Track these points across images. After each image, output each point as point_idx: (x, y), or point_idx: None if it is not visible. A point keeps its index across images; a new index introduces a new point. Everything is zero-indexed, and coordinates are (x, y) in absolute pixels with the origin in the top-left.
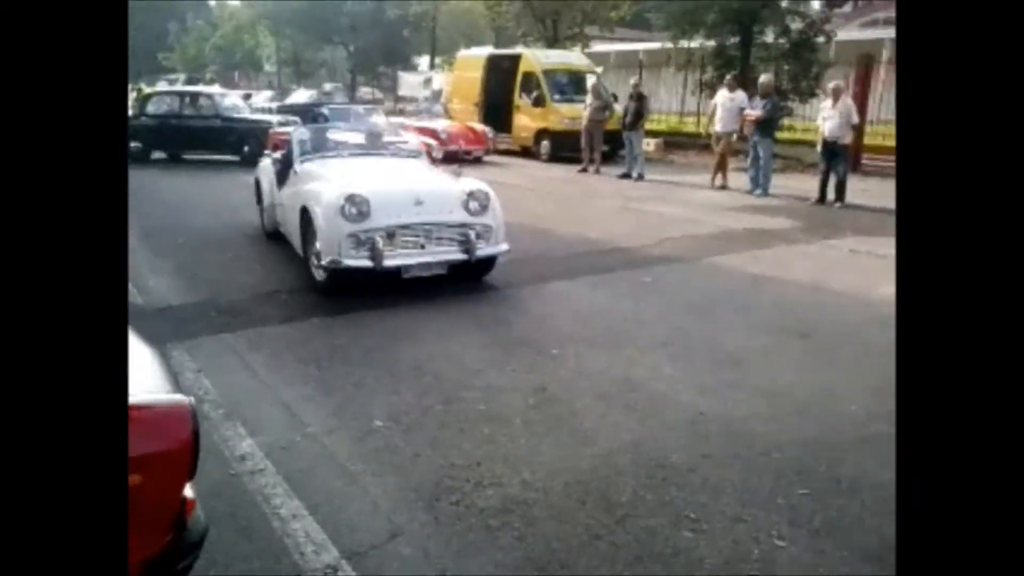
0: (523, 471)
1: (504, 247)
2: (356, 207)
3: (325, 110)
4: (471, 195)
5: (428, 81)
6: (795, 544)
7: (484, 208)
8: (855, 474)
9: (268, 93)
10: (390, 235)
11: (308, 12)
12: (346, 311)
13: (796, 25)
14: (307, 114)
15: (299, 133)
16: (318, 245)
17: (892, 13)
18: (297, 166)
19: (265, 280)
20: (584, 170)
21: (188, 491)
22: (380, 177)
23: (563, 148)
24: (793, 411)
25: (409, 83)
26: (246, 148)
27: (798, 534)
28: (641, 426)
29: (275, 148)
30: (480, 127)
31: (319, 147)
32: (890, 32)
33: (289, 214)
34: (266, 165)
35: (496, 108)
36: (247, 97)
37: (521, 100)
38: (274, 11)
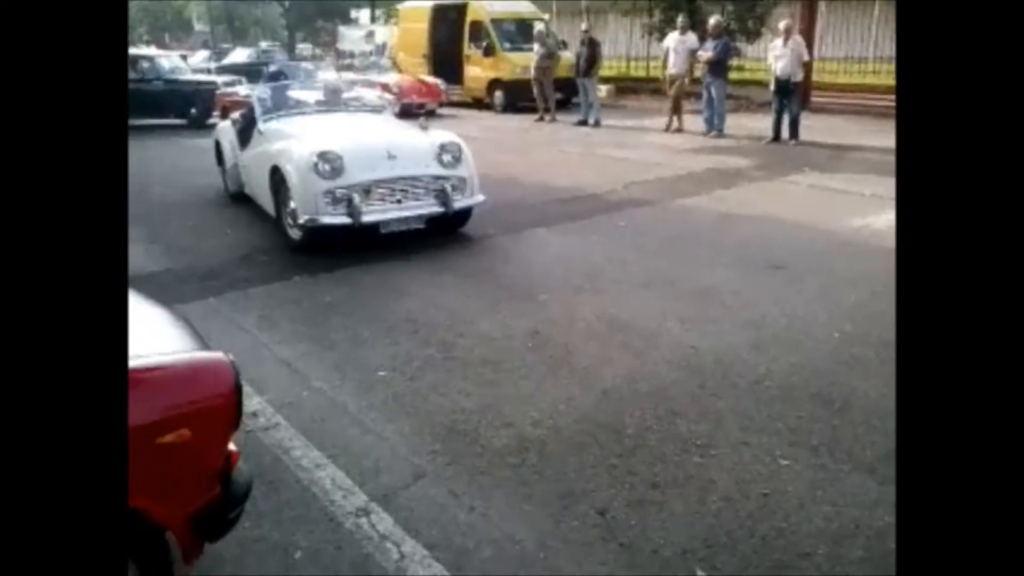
0: (531, 411)
1: (480, 198)
2: (330, 164)
3: (273, 67)
4: (443, 147)
5: (371, 35)
6: (798, 462)
7: (457, 160)
8: (844, 395)
9: (204, 53)
10: (366, 191)
11: None
12: (329, 268)
13: None
14: (253, 73)
15: (260, 92)
16: (292, 204)
17: None
18: (261, 126)
19: (238, 243)
20: (540, 119)
21: (231, 445)
22: (350, 133)
23: (517, 98)
24: (777, 340)
25: (350, 37)
26: (193, 111)
27: (799, 453)
28: (636, 362)
29: (224, 110)
30: (432, 80)
31: (281, 105)
32: None
33: (256, 174)
34: (225, 126)
35: (445, 60)
36: (183, 58)
37: (471, 50)
38: None
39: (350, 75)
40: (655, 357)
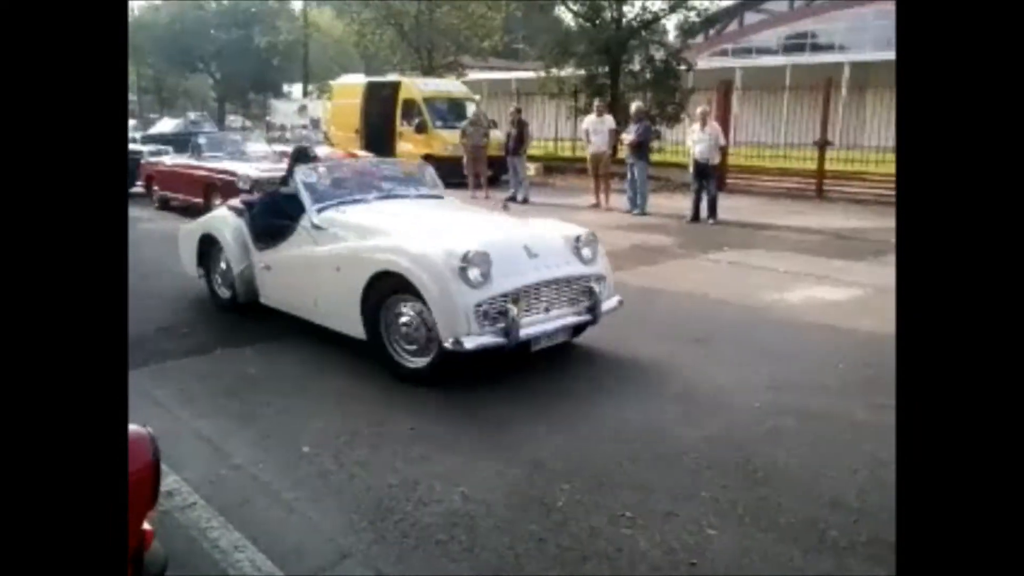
0: (461, 486)
1: (617, 299)
2: (478, 268)
3: (202, 139)
4: (580, 240)
5: (303, 109)
6: (725, 532)
7: (594, 255)
8: (767, 464)
9: (131, 122)
10: (514, 300)
11: (171, 40)
12: (252, 341)
13: (659, 55)
14: (180, 143)
15: (305, 175)
16: (404, 327)
17: (739, 44)
18: (315, 218)
19: (158, 314)
20: (474, 196)
21: (146, 524)
22: (461, 225)
23: (449, 174)
24: (703, 411)
25: (282, 111)
26: None
27: (726, 523)
28: (567, 434)
29: (148, 180)
30: (363, 154)
31: (333, 192)
32: (739, 61)
33: (319, 283)
34: (225, 217)
35: (377, 135)
36: None
37: (403, 127)
38: (134, 38)
39: (280, 147)
40: (586, 429)
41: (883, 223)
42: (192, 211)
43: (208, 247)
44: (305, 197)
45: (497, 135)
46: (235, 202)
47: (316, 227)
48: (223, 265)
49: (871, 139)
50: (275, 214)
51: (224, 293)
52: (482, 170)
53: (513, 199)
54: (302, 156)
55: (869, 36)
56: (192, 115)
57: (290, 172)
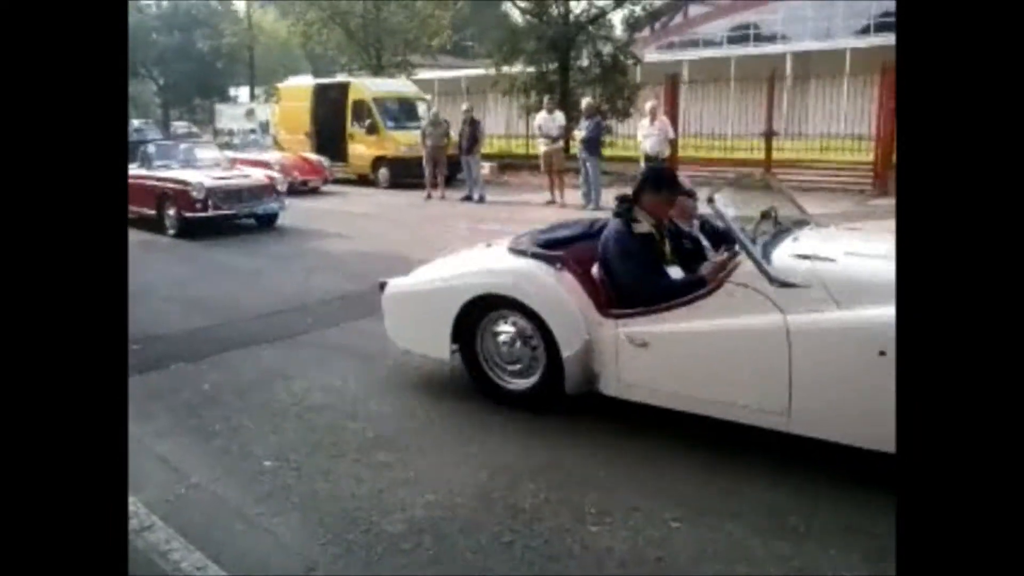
0: (426, 493)
1: None
2: None
3: (151, 148)
4: None
5: (251, 113)
6: (687, 523)
7: None
8: (728, 458)
9: None
10: None
11: None
12: (207, 354)
13: (607, 50)
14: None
15: (724, 204)
16: None
17: (685, 37)
18: (772, 270)
19: None
20: (429, 196)
21: None
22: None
23: (402, 175)
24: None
25: (229, 115)
26: None
27: (688, 514)
28: (536, 432)
29: None
30: (315, 157)
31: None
32: (686, 54)
33: (819, 373)
34: (524, 266)
35: (328, 137)
36: None
37: (354, 129)
38: None
39: (230, 153)
40: (551, 428)
41: (828, 209)
42: (144, 223)
43: (477, 313)
44: (742, 238)
45: (453, 135)
46: (527, 245)
47: (782, 283)
48: (509, 338)
49: (815, 127)
50: (639, 263)
51: (517, 384)
52: (441, 170)
53: (469, 198)
54: (660, 180)
55: (809, 27)
56: (136, 123)
57: (636, 197)
